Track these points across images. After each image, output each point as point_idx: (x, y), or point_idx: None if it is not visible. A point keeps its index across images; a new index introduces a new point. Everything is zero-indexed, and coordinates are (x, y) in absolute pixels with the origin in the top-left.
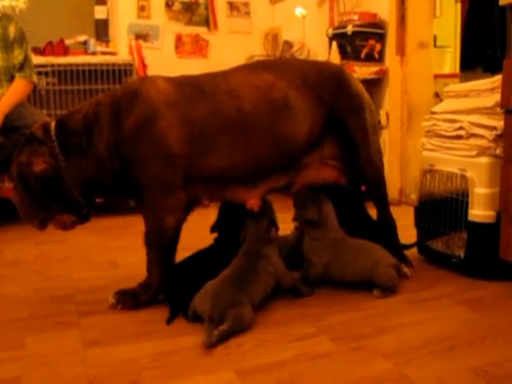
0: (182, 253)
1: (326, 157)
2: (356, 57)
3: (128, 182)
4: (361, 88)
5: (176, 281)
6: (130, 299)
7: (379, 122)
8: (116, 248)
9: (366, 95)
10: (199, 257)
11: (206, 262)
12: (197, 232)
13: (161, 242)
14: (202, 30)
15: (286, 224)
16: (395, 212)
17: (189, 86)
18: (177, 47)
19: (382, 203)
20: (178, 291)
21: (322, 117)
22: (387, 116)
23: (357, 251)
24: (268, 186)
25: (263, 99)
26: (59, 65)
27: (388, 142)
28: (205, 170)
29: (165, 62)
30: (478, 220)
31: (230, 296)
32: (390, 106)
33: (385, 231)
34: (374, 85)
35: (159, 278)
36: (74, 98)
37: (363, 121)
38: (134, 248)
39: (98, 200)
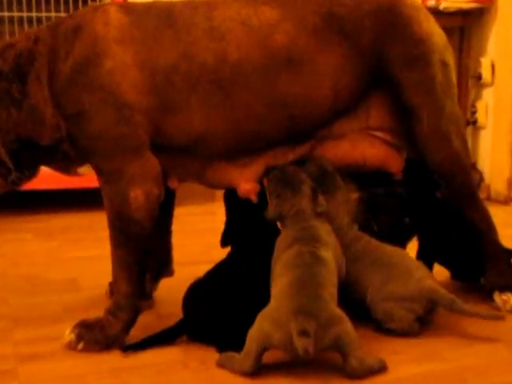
0: (192, 268)
1: (371, 127)
2: None
3: (77, 145)
4: (428, 28)
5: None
6: (95, 334)
7: (479, 77)
8: (76, 260)
9: (436, 39)
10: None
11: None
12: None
13: (126, 229)
14: None
15: None
16: (501, 214)
17: (154, 18)
18: None
19: (464, 202)
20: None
21: (358, 72)
22: (492, 67)
23: (373, 262)
24: (266, 163)
25: (258, 45)
26: None
27: (493, 105)
28: (172, 136)
29: None
30: None
31: (319, 306)
32: (498, 51)
33: (474, 245)
34: (473, 19)
35: (128, 290)
36: (12, 29)
37: (429, 78)
38: (103, 260)
39: (41, 166)
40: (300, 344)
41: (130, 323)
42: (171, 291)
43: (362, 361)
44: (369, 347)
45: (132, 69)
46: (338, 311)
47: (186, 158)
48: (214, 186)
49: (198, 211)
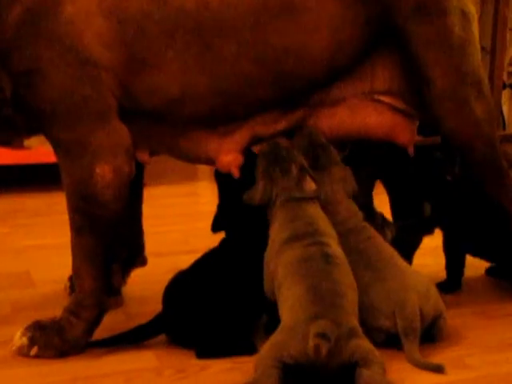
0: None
1: (376, 90)
2: None
3: (27, 111)
4: None
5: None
6: (52, 337)
7: None
8: (29, 249)
9: None
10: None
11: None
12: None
13: (90, 212)
14: None
15: None
16: None
17: None
18: None
19: (487, 179)
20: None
21: (360, 22)
22: None
23: (357, 262)
24: (251, 131)
25: None
26: None
27: None
28: (144, 98)
29: None
30: None
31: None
32: None
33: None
34: None
35: (93, 285)
36: None
37: (443, 30)
38: (62, 250)
39: None
40: (313, 342)
41: (94, 324)
42: (143, 286)
43: (383, 377)
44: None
45: (97, 17)
46: (358, 325)
47: (158, 126)
48: (189, 158)
49: (177, 192)
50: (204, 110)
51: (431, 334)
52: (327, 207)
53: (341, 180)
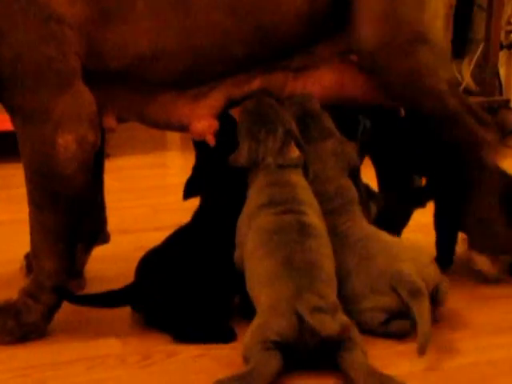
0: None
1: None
2: None
3: None
4: None
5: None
6: (7, 321)
7: None
8: None
9: None
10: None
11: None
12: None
13: (52, 186)
14: None
15: None
16: None
17: None
18: None
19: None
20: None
21: None
22: None
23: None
24: (227, 93)
25: None
26: None
27: None
28: (110, 57)
29: None
30: None
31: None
32: None
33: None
34: None
35: (53, 265)
36: None
37: None
38: (18, 226)
39: None
40: (317, 319)
41: (54, 308)
42: (106, 266)
43: (366, 363)
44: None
45: None
46: (337, 300)
47: (126, 89)
48: (160, 124)
49: (144, 163)
50: (175, 69)
51: (436, 299)
52: (314, 185)
53: (333, 155)
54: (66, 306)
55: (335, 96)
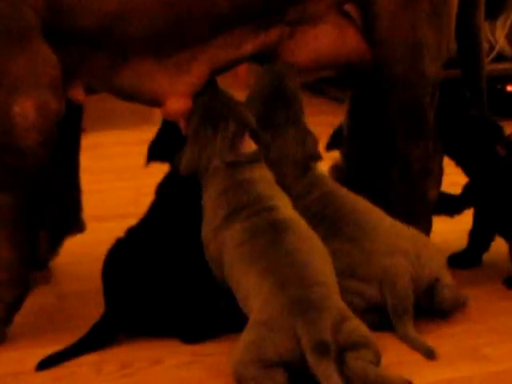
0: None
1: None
2: None
3: None
4: None
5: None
6: None
7: None
8: None
9: None
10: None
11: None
12: None
13: (6, 160)
14: None
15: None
16: None
17: None
18: None
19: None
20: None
21: None
22: None
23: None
24: (210, 62)
25: None
26: None
27: None
28: (74, 15)
29: None
30: None
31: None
32: None
33: None
34: None
35: (11, 255)
36: None
37: None
38: None
39: None
40: (318, 364)
41: (14, 306)
42: (80, 259)
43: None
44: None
45: None
46: (340, 300)
47: (94, 54)
48: (130, 96)
49: (126, 139)
50: (150, 31)
51: (433, 306)
52: (274, 171)
53: (294, 143)
54: (29, 305)
55: (331, 57)
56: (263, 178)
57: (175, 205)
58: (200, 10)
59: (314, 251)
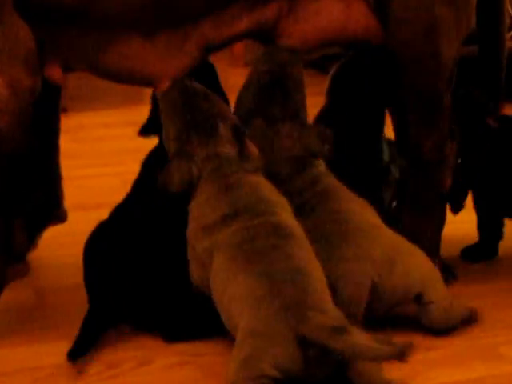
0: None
1: None
2: None
3: None
4: None
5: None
6: None
7: None
8: None
9: None
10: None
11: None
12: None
13: None
14: None
15: None
16: None
17: None
18: None
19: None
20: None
21: None
22: None
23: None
24: (204, 40)
25: None
26: None
27: None
28: None
29: None
30: None
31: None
32: None
33: None
34: None
35: None
36: None
37: None
38: None
39: None
40: (340, 343)
41: None
42: (61, 251)
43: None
44: None
45: None
46: (336, 308)
47: (74, 30)
48: (118, 77)
49: (112, 121)
50: (133, 7)
51: (421, 308)
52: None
53: (290, 138)
54: (4, 301)
55: (336, 34)
56: (265, 182)
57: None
58: None
59: (312, 261)
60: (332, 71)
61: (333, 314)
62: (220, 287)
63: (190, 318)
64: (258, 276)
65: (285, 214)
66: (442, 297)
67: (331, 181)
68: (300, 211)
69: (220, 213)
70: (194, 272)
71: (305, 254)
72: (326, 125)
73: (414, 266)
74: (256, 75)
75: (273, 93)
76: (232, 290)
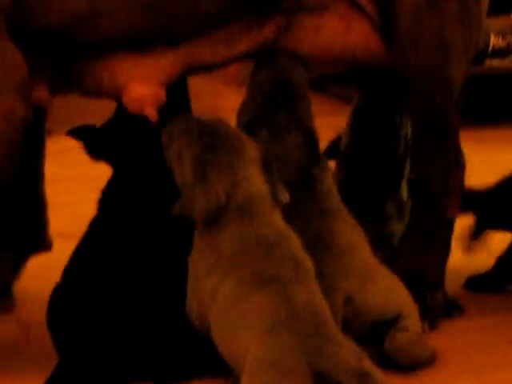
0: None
1: None
2: None
3: None
4: None
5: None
6: None
7: None
8: None
9: None
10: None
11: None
12: None
13: None
14: None
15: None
16: None
17: None
18: None
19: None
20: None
21: None
22: None
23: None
24: (193, 56)
25: None
26: None
27: None
28: (41, 13)
29: None
30: None
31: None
32: None
33: None
34: None
35: None
36: None
37: None
38: None
39: None
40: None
41: None
42: (46, 283)
43: None
44: None
45: None
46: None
47: (63, 52)
48: (92, 90)
49: None
50: (126, 30)
51: (383, 344)
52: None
53: (297, 149)
54: None
55: (335, 53)
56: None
57: (125, 221)
58: (180, 10)
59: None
60: (352, 107)
61: (351, 347)
62: (225, 317)
63: (179, 360)
64: (277, 298)
65: (301, 249)
66: (413, 330)
67: (334, 199)
68: (295, 220)
69: (238, 248)
70: (195, 310)
71: (317, 287)
72: (350, 161)
73: (389, 290)
74: (257, 84)
75: (276, 101)
76: (236, 320)
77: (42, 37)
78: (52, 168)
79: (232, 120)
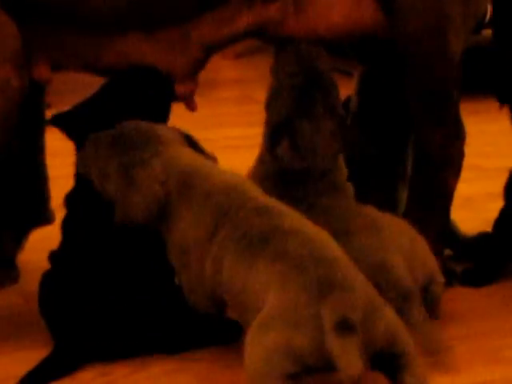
0: None
1: None
2: None
3: None
4: None
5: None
6: None
7: None
8: None
9: None
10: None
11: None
12: None
13: None
14: None
15: None
16: None
17: None
18: None
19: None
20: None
21: None
22: None
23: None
24: (203, 37)
25: None
26: None
27: None
28: None
29: None
30: None
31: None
32: None
33: None
34: None
35: None
36: None
37: None
38: None
39: None
40: (344, 361)
41: None
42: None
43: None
44: None
45: None
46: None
47: (64, 29)
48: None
49: None
50: (127, 6)
51: (428, 297)
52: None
53: (331, 136)
54: None
55: (344, 30)
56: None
57: (96, 216)
58: None
59: (318, 230)
60: (359, 72)
61: (362, 293)
62: (237, 288)
63: (180, 330)
64: (272, 259)
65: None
66: (438, 275)
67: (350, 188)
68: (311, 209)
69: (212, 223)
70: (197, 293)
71: (308, 225)
72: (360, 122)
73: (425, 255)
74: (286, 78)
75: (311, 92)
76: (251, 286)
77: (42, 13)
78: (52, 141)
79: (229, 91)
